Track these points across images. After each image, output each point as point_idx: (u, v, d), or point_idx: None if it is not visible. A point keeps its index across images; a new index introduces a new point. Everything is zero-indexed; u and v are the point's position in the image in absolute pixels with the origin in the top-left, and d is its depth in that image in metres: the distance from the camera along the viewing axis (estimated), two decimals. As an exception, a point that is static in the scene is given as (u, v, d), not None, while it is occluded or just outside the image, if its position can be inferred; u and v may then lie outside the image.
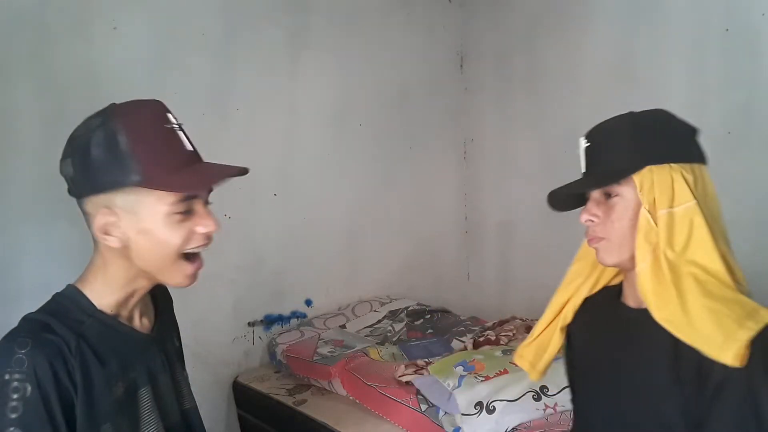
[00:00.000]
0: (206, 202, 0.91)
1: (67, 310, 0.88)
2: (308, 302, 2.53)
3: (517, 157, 2.84)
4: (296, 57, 2.44)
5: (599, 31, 2.45)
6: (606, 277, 1.07)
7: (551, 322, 1.11)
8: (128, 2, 1.99)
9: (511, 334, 2.11)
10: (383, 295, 2.66)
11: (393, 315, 2.51)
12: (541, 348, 1.12)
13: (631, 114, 0.97)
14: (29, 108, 1.81)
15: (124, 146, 0.83)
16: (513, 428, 1.59)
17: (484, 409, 1.59)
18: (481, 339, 2.11)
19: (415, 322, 2.45)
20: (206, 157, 0.93)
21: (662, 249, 0.89)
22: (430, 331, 2.38)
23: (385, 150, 2.77)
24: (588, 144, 0.99)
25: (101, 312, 0.90)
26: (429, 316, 2.51)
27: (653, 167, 0.91)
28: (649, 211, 0.90)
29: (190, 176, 0.86)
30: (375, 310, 2.53)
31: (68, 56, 1.87)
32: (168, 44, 2.08)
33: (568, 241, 2.44)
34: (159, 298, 1.05)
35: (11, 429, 0.78)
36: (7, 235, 1.77)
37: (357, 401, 1.92)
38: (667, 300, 0.87)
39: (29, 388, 0.79)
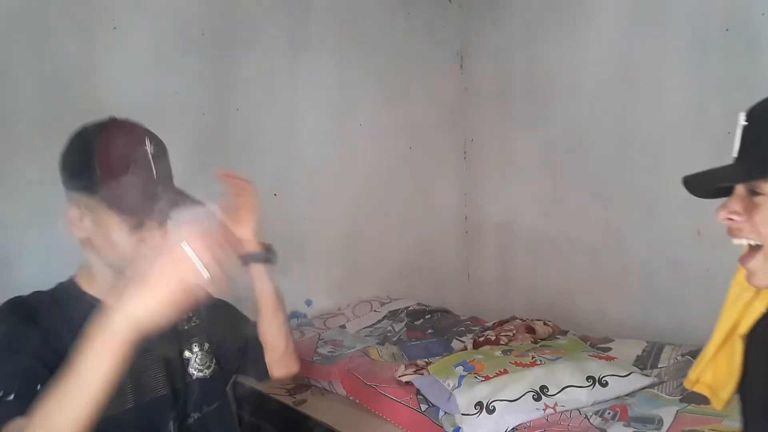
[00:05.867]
0: (162, 221, 0.99)
1: (55, 290, 1.05)
2: (308, 302, 2.53)
3: (517, 157, 2.83)
4: (296, 57, 2.43)
5: (599, 31, 2.44)
6: None
7: (723, 344, 0.92)
8: (128, 2, 1.99)
9: (511, 334, 2.10)
10: (383, 295, 2.66)
11: (393, 315, 2.50)
12: (722, 376, 0.93)
13: None
14: (29, 108, 1.81)
15: (95, 162, 0.96)
16: (513, 428, 1.58)
17: (484, 409, 1.59)
18: (481, 339, 2.11)
19: (415, 322, 2.45)
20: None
21: None
22: (430, 331, 2.38)
23: (385, 150, 2.77)
24: (746, 122, 0.78)
25: (86, 294, 1.03)
26: (429, 316, 2.51)
27: None
28: None
29: (137, 201, 0.96)
30: (375, 310, 2.53)
31: (68, 56, 1.86)
32: (168, 44, 2.08)
33: (568, 241, 2.46)
34: None
35: None
36: (7, 234, 1.77)
37: (357, 401, 1.92)
38: None
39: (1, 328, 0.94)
